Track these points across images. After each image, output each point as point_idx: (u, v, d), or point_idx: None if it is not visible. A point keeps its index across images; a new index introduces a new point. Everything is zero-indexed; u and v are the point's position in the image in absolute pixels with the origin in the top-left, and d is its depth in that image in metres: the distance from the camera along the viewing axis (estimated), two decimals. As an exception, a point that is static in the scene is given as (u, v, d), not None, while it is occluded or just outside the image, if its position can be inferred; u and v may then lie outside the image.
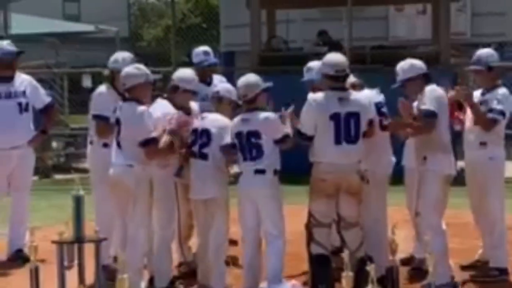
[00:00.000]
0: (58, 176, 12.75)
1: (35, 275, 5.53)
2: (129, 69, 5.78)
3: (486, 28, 16.28)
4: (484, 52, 6.30)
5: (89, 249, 5.29)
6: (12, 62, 6.79)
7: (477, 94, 6.21)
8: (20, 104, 6.74)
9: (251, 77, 5.76)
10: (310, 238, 5.66)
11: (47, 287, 5.61)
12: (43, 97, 7.00)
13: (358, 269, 5.06)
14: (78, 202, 5.03)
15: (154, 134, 5.61)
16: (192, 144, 5.76)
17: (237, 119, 5.70)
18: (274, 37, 14.26)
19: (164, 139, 5.61)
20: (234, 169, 5.81)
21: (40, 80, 7.95)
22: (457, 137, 6.47)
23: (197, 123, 5.79)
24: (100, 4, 26.69)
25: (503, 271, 6.06)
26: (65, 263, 5.30)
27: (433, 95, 5.71)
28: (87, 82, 14.00)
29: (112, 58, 6.45)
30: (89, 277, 5.43)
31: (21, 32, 14.17)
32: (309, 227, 5.66)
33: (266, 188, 5.57)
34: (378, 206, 5.93)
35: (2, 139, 6.63)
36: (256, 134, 5.56)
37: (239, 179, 5.65)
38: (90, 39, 20.20)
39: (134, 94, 5.68)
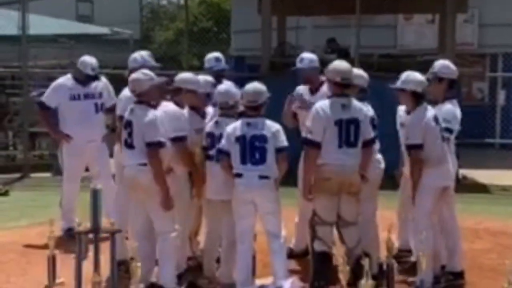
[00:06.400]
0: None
1: (52, 264, 5.88)
2: (136, 75, 5.87)
3: (493, 39, 16.52)
4: (439, 63, 6.32)
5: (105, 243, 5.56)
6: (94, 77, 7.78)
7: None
8: (96, 104, 7.71)
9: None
10: (313, 236, 5.98)
11: (63, 275, 5.95)
12: (112, 98, 7.72)
13: (356, 265, 5.37)
14: (96, 195, 5.33)
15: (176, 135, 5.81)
16: (208, 148, 6.02)
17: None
18: (284, 43, 14.54)
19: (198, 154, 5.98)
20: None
21: (53, 80, 8.31)
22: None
23: (212, 129, 6.02)
24: (113, 6, 26.98)
25: (458, 275, 6.20)
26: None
27: (413, 123, 5.93)
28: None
29: (131, 57, 6.68)
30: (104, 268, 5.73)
31: (38, 33, 14.43)
32: (312, 225, 5.98)
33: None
34: (370, 207, 6.24)
35: (80, 134, 7.61)
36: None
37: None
38: (103, 41, 20.49)
39: (144, 98, 5.79)
